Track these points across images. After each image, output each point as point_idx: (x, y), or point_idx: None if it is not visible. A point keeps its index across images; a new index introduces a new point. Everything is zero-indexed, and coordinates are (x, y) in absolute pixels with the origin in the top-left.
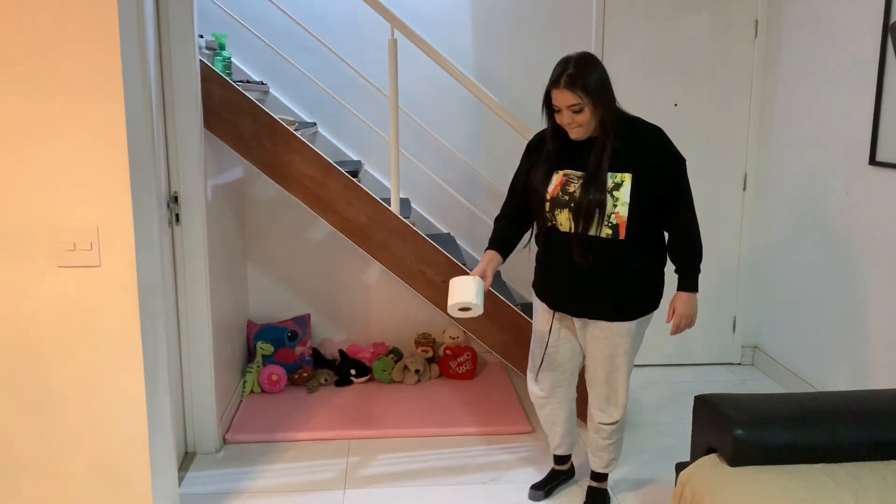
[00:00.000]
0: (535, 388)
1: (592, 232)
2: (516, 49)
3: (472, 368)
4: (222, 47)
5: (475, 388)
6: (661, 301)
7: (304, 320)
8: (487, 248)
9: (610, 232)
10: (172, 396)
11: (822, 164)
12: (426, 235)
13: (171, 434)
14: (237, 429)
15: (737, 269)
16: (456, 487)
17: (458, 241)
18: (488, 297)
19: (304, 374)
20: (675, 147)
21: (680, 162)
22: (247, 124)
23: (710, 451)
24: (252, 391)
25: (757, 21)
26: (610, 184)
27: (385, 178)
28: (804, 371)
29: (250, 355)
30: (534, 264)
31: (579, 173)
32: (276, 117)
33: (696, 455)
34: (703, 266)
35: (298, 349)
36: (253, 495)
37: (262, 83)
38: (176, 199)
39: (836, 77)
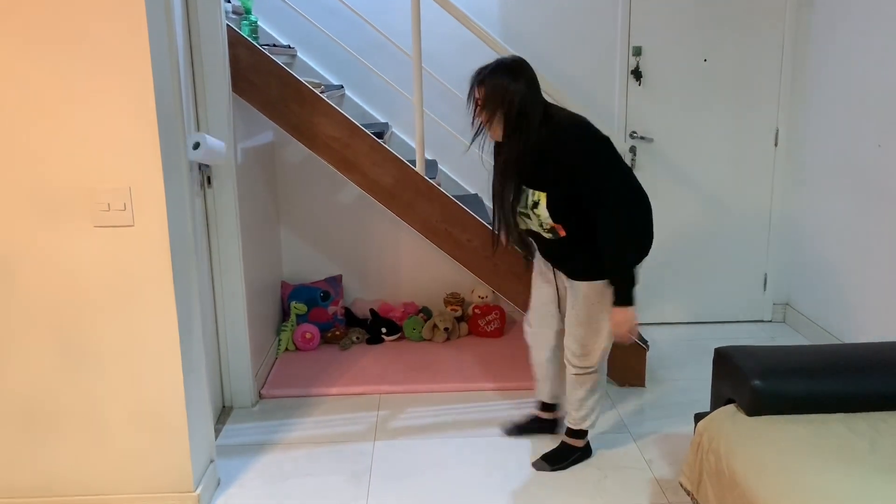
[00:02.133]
0: (525, 326)
1: (535, 229)
2: (542, 7)
3: (500, 327)
4: (248, 11)
5: (503, 346)
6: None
7: (336, 280)
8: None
9: (550, 235)
10: (209, 354)
11: (854, 118)
12: (453, 196)
13: (206, 386)
14: (272, 384)
15: (768, 226)
16: (482, 440)
17: (484, 202)
18: (513, 255)
19: (337, 333)
20: (590, 146)
21: (594, 167)
22: (274, 87)
23: (729, 402)
24: (287, 349)
25: None
26: (529, 201)
27: (412, 140)
28: (836, 328)
29: (284, 314)
30: None
31: (524, 188)
32: (302, 80)
33: (715, 406)
34: (732, 223)
35: (331, 308)
36: (287, 446)
37: (290, 47)
38: None
39: (870, 29)
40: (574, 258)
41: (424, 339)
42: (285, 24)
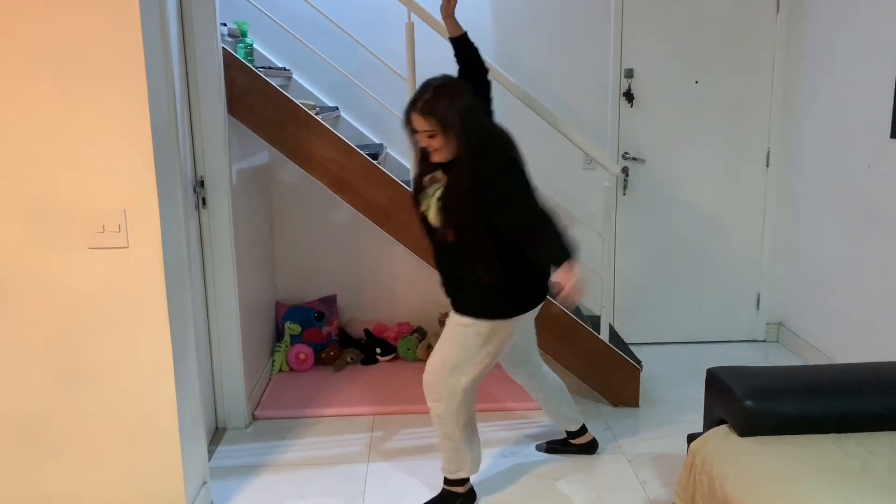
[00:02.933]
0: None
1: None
2: (536, 31)
3: None
4: (244, 34)
5: (497, 366)
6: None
7: (331, 301)
8: None
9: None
10: (203, 375)
11: (844, 139)
12: None
13: (199, 407)
14: (266, 405)
15: (760, 246)
16: None
17: None
18: None
19: (331, 353)
20: (492, 164)
21: (500, 186)
22: (269, 109)
23: (721, 422)
24: (280, 370)
25: None
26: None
27: (407, 161)
28: (830, 348)
29: (279, 335)
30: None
31: (430, 185)
32: (297, 102)
33: (708, 427)
34: (724, 243)
35: (325, 329)
36: (281, 468)
37: (285, 69)
38: (202, 183)
39: (859, 52)
40: (454, 281)
41: (419, 360)
42: (280, 47)
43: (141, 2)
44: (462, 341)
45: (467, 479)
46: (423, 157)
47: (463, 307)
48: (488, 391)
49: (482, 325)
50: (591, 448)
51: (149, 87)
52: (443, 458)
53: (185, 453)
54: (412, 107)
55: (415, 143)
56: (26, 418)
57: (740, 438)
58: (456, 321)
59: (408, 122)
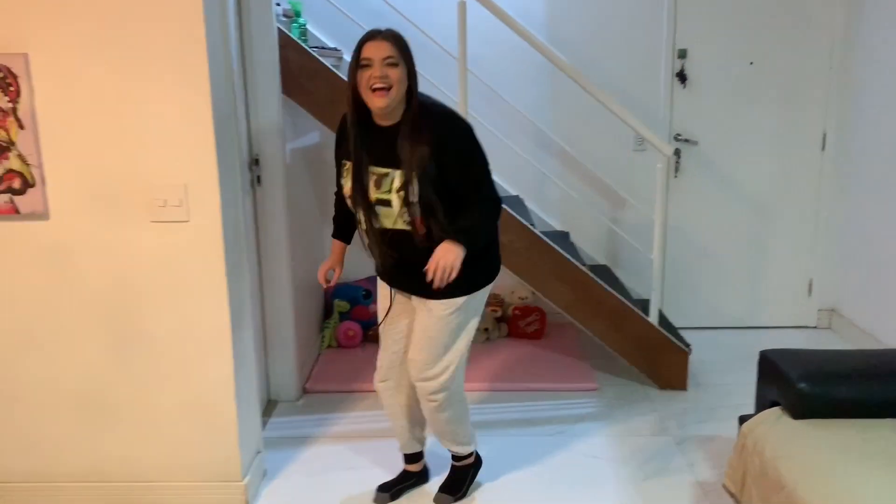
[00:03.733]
0: (377, 379)
1: (389, 226)
2: (587, 10)
3: (540, 328)
4: (298, 14)
5: (543, 347)
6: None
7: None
8: (333, 237)
9: (405, 226)
10: (256, 349)
11: None
12: None
13: (254, 378)
14: (316, 379)
15: (813, 231)
16: (523, 438)
17: (525, 204)
18: (555, 255)
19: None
20: (472, 134)
21: (475, 154)
22: (323, 89)
23: (773, 405)
24: (329, 345)
25: None
26: (392, 185)
27: None
28: (883, 334)
29: (327, 312)
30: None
31: (382, 171)
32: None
33: (760, 409)
34: (777, 228)
35: (372, 307)
36: (331, 439)
37: (336, 49)
38: (257, 161)
39: None
40: (421, 266)
41: None
42: (331, 27)
43: None
44: (453, 326)
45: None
46: (356, 110)
47: (449, 290)
48: (536, 371)
49: (463, 300)
50: (426, 476)
51: (210, 66)
52: (453, 442)
53: (240, 423)
54: (372, 36)
55: (357, 83)
56: (87, 388)
57: (793, 421)
58: (438, 307)
59: (360, 52)
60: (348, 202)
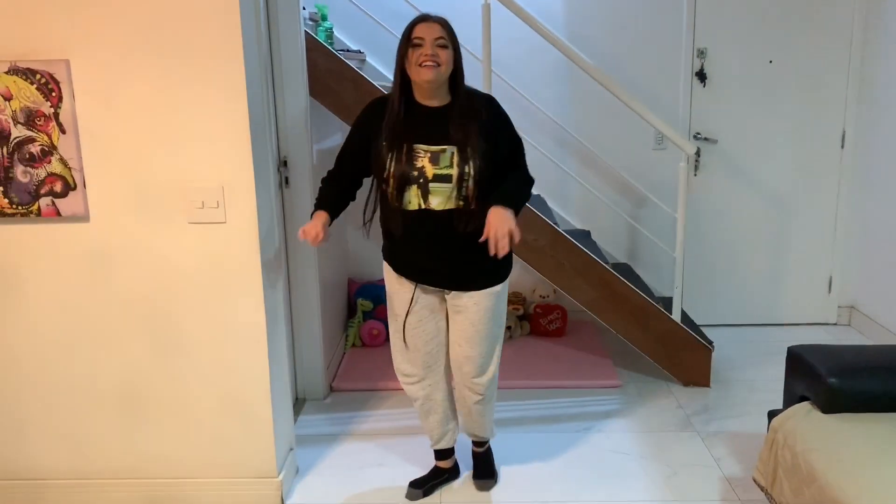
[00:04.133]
0: (405, 367)
1: (438, 206)
2: (607, 9)
3: (562, 326)
4: (324, 18)
5: (565, 345)
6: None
7: None
8: (317, 210)
9: (462, 203)
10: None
11: None
12: None
13: (288, 376)
14: (343, 378)
15: (833, 228)
16: (549, 435)
17: (547, 202)
18: (578, 253)
19: None
20: (506, 115)
21: (514, 132)
22: (349, 92)
23: (802, 399)
24: (354, 344)
25: None
26: (453, 160)
27: None
28: None
29: (351, 311)
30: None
31: (437, 148)
32: (376, 84)
33: (788, 404)
34: (796, 225)
35: None
36: (360, 437)
37: (360, 52)
38: (285, 163)
39: None
40: (471, 256)
41: None
42: (355, 30)
43: None
44: (498, 311)
45: None
46: (403, 92)
47: (487, 277)
48: (559, 368)
49: (502, 287)
50: (457, 473)
51: (246, 70)
52: (484, 429)
53: (275, 420)
54: (424, 18)
55: (407, 60)
56: (127, 386)
57: (823, 415)
58: (486, 296)
59: (411, 31)
60: (390, 182)
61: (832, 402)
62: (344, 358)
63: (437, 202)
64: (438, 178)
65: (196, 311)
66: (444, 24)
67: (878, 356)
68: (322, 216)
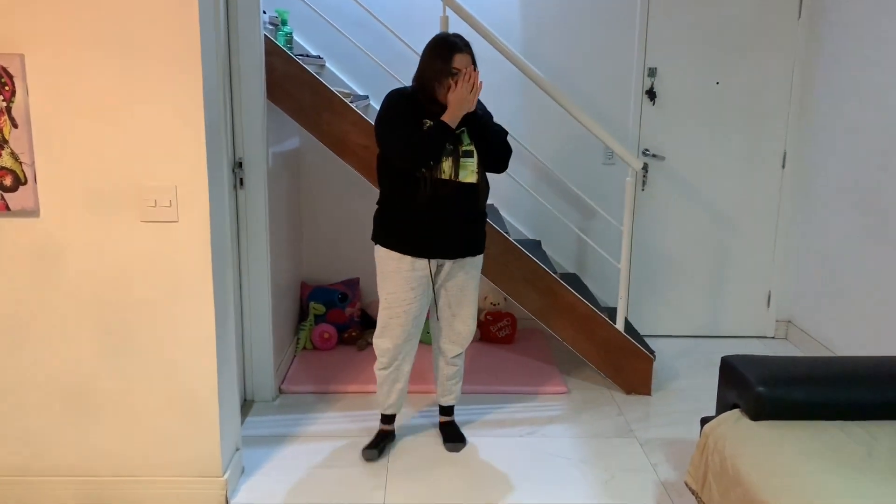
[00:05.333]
0: (385, 344)
1: (466, 179)
2: (563, 29)
3: (511, 333)
4: (284, 23)
5: (514, 351)
6: None
7: (353, 283)
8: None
9: (474, 178)
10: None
11: (859, 143)
12: None
13: (235, 376)
14: (291, 380)
15: (773, 245)
16: (495, 439)
17: (500, 212)
18: (528, 262)
19: (354, 334)
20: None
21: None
22: (306, 96)
23: (733, 407)
24: (305, 347)
25: (801, 1)
26: (468, 140)
27: None
28: (838, 346)
29: (303, 314)
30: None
31: (458, 129)
32: (333, 90)
33: (720, 411)
34: (738, 241)
35: (348, 310)
36: (307, 439)
37: (319, 57)
38: (240, 164)
39: (875, 57)
40: (476, 225)
41: None
42: (315, 36)
43: None
44: (478, 280)
45: None
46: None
47: (482, 243)
48: (507, 374)
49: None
50: (393, 434)
51: (203, 71)
52: (455, 395)
53: (222, 421)
54: (461, 48)
55: (436, 80)
56: (74, 383)
57: (752, 422)
58: (477, 264)
59: (451, 61)
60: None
61: (760, 410)
62: (294, 360)
63: (463, 174)
64: (466, 154)
65: (145, 310)
66: (471, 51)
67: (806, 367)
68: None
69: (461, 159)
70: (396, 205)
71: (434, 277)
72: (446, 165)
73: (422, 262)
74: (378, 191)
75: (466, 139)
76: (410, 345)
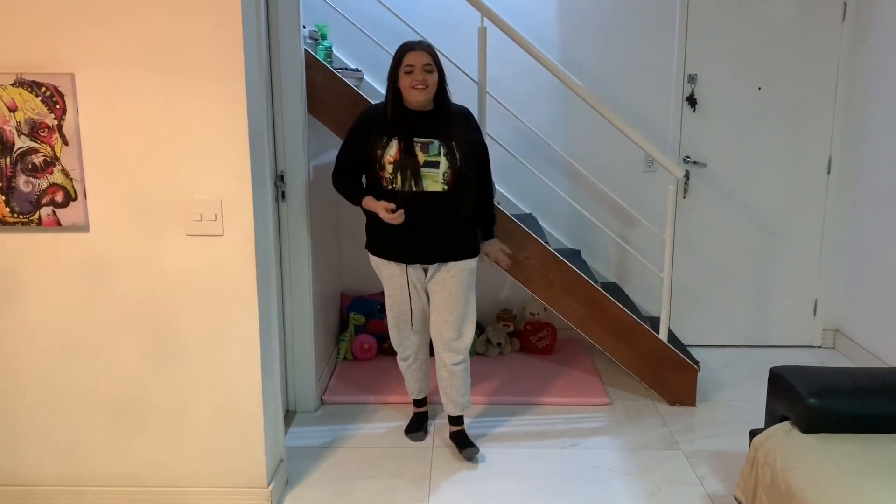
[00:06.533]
0: (397, 339)
1: (427, 188)
2: (601, 36)
3: (551, 343)
4: (324, 37)
5: (554, 362)
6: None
7: None
8: (362, 197)
9: (441, 187)
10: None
11: None
12: (510, 215)
13: (279, 387)
14: (333, 391)
15: (819, 252)
16: (537, 451)
17: (539, 221)
18: (568, 271)
19: None
20: (477, 123)
21: (482, 136)
22: (346, 109)
23: (783, 419)
24: (345, 358)
25: (845, 3)
26: (441, 150)
27: None
28: (888, 355)
29: (343, 325)
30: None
31: (426, 140)
32: (372, 102)
33: (770, 423)
34: (783, 249)
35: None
36: (349, 449)
37: (358, 70)
38: (282, 177)
39: None
40: (452, 231)
41: (478, 353)
42: (354, 49)
43: (243, 4)
44: (471, 283)
45: None
46: (395, 101)
47: (465, 249)
48: (548, 385)
49: (475, 262)
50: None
51: (247, 87)
52: (467, 396)
53: (266, 432)
54: (412, 47)
55: (398, 84)
56: (122, 395)
57: (803, 435)
58: (462, 269)
59: (402, 59)
60: (387, 168)
61: (811, 422)
62: (335, 371)
63: (426, 184)
64: (428, 164)
65: (191, 322)
66: (431, 52)
67: (857, 378)
68: (370, 198)
69: (422, 170)
70: (374, 214)
71: (425, 282)
72: (399, 177)
73: (410, 267)
74: None
75: (433, 150)
76: (419, 337)
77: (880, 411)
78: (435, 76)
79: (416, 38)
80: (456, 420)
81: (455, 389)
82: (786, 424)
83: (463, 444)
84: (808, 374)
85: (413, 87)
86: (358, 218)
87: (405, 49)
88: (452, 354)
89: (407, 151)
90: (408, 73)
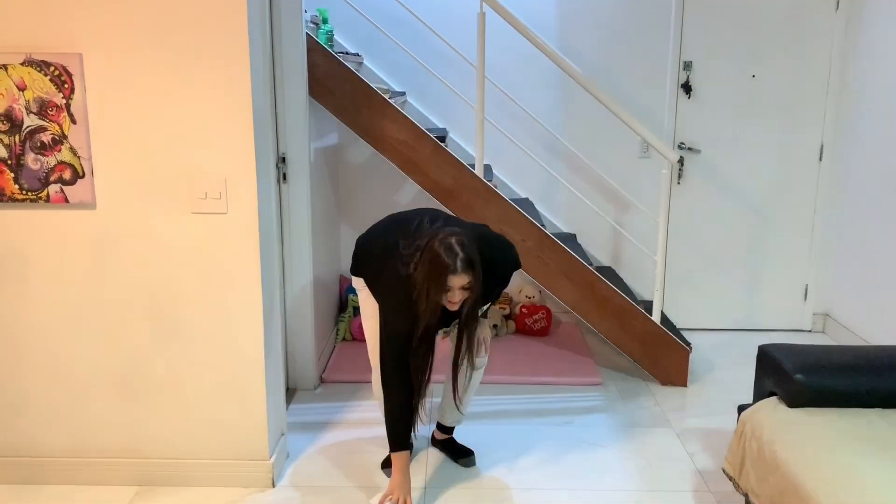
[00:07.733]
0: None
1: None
2: (597, 22)
3: (546, 326)
4: (325, 21)
5: (550, 343)
6: None
7: None
8: (398, 450)
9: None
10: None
11: None
12: (507, 199)
13: (282, 363)
14: (333, 370)
15: (810, 238)
16: (532, 427)
17: (535, 206)
18: (564, 255)
19: None
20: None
21: (507, 282)
22: (347, 93)
23: (771, 395)
24: (344, 338)
25: None
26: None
27: (468, 145)
28: (877, 339)
29: (342, 306)
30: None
31: (448, 328)
32: (373, 86)
33: (758, 399)
34: (775, 234)
35: None
36: (348, 426)
37: (357, 55)
38: (284, 159)
39: None
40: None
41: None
42: (354, 34)
43: None
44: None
45: None
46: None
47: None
48: (543, 366)
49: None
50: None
51: (251, 69)
52: (468, 408)
53: (269, 406)
54: (456, 269)
55: (438, 304)
56: (127, 369)
57: (789, 409)
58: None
59: (446, 280)
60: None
61: (797, 397)
62: (334, 351)
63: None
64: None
65: (197, 298)
66: (471, 272)
67: (842, 355)
68: (403, 460)
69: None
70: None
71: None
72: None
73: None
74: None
75: (451, 329)
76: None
77: (863, 387)
78: (471, 293)
79: (414, 23)
80: (447, 428)
81: (469, 391)
82: (773, 399)
83: (459, 452)
84: (795, 351)
85: (450, 302)
86: (356, 203)
87: (446, 271)
88: (476, 369)
89: (426, 338)
90: (447, 290)
